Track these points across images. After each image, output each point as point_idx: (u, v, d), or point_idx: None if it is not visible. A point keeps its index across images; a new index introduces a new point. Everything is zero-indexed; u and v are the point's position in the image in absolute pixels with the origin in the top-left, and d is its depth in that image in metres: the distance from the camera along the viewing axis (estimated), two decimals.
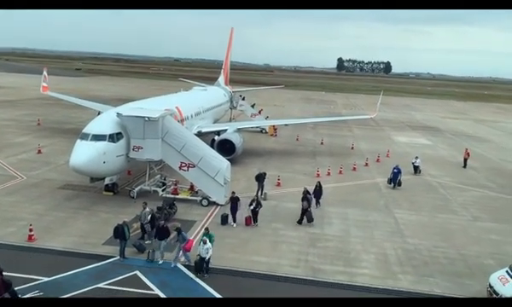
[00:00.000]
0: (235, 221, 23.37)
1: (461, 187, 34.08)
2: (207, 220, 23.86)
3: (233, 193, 24.13)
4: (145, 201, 22.03)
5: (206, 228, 19.94)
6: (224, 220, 23.37)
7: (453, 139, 58.02)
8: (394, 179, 32.07)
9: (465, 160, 41.50)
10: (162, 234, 19.34)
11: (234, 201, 23.58)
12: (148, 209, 21.13)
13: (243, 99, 58.91)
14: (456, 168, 40.62)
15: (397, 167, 32.44)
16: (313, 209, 24.82)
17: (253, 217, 23.51)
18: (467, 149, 43.32)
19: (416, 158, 37.18)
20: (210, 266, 18.22)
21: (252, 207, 23.42)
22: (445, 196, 31.43)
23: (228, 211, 23.83)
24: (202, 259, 18.00)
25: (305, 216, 24.00)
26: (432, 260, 20.80)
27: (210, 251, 18.06)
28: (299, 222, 23.99)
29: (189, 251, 18.77)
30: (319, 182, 27.46)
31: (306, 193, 24.89)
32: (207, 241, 18.17)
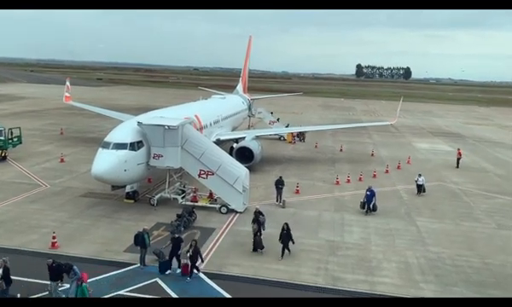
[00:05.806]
0: (169, 267, 18.73)
1: (485, 194, 33.25)
2: (226, 227, 23.92)
3: (172, 232, 20.38)
4: None
5: (80, 280, 15.74)
6: (165, 266, 18.71)
7: (476, 145, 56.78)
8: (368, 202, 27.00)
9: (458, 160, 41.76)
10: (56, 273, 16.18)
11: (175, 242, 19.01)
12: None
13: (278, 120, 58.92)
14: (479, 174, 39.70)
15: (370, 189, 27.29)
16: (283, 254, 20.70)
17: (191, 267, 18.21)
18: (459, 149, 43.61)
19: (420, 175, 32.35)
20: None
21: (189, 254, 18.21)
22: (469, 204, 30.71)
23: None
24: None
25: (254, 241, 20.82)
26: (456, 269, 20.32)
27: None
28: (255, 249, 20.82)
29: (85, 282, 15.84)
30: (287, 224, 20.66)
31: (258, 213, 21.62)
32: None
